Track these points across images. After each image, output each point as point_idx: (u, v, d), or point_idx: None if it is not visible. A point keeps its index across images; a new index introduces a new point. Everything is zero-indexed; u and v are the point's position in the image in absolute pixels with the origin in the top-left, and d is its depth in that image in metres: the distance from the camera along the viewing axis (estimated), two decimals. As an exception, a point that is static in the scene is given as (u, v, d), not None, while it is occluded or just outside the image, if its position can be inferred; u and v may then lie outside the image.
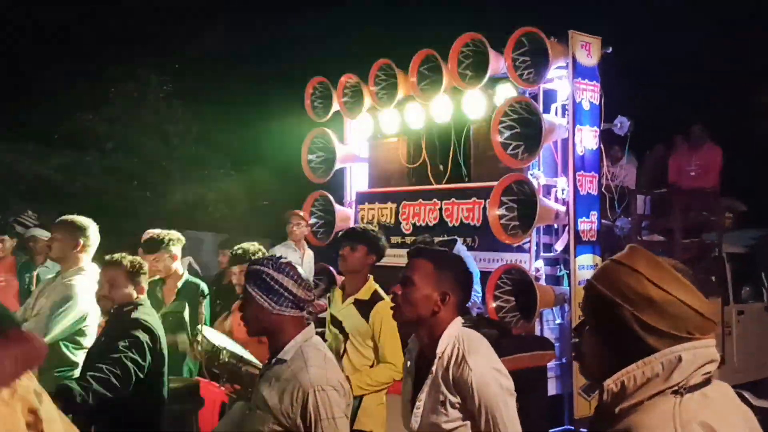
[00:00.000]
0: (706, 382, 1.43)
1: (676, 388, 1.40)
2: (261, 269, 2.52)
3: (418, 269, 2.48)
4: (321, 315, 5.21)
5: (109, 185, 13.19)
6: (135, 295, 3.49)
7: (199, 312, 4.13)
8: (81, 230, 4.07)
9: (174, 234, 4.91)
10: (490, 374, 2.36)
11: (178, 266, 4.96)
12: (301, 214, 7.21)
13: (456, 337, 2.43)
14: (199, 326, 3.52)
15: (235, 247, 4.71)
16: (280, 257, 2.60)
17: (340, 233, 4.36)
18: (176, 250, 4.88)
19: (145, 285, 3.55)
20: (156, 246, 4.79)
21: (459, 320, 2.48)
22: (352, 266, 4.02)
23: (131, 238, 5.48)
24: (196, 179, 13.98)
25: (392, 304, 4.05)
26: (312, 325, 2.58)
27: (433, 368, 2.41)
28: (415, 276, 2.47)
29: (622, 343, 1.46)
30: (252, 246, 4.65)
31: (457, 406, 2.35)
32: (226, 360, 3.35)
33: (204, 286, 4.96)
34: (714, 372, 1.44)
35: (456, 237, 6.15)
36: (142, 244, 4.95)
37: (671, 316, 1.43)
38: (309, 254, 7.11)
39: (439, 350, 2.41)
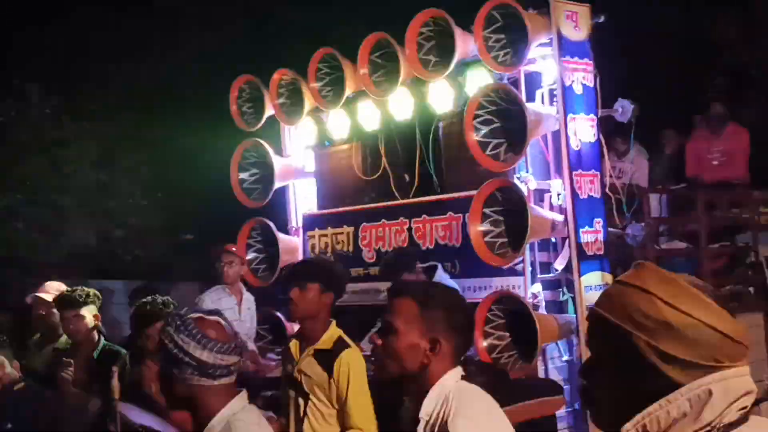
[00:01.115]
0: (744, 419, 1.44)
1: (708, 428, 1.41)
2: (164, 330, 2.55)
3: (399, 312, 2.45)
4: (272, 374, 5.20)
5: (-15, 230, 12.96)
6: None
7: (113, 384, 4.08)
8: None
9: (92, 291, 4.98)
10: None
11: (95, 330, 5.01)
12: (233, 249, 7.18)
13: (445, 395, 2.38)
14: (114, 401, 3.47)
15: (138, 304, 4.57)
16: (196, 310, 2.62)
17: (284, 270, 4.36)
18: (95, 309, 4.94)
19: None
20: (76, 301, 4.83)
21: (454, 373, 2.45)
22: (304, 311, 4.03)
23: (17, 297, 5.42)
24: (98, 215, 13.81)
25: (359, 353, 4.07)
26: (244, 393, 2.58)
27: None
28: (397, 321, 2.44)
29: (639, 380, 1.47)
30: (158, 298, 4.53)
31: None
32: (150, 442, 3.31)
33: (122, 351, 4.98)
34: (752, 406, 1.46)
35: (436, 263, 6.18)
36: (57, 301, 4.98)
37: (694, 342, 1.45)
38: (248, 299, 7.06)
39: (422, 412, 2.38)
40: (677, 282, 1.50)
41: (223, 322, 2.60)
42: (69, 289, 4.97)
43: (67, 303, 4.85)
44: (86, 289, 4.94)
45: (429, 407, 2.38)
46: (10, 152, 13.34)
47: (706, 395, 1.42)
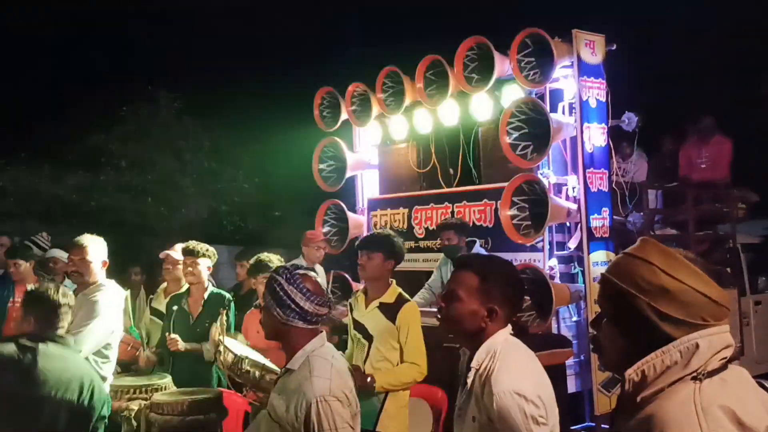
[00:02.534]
0: (724, 367, 1.45)
1: (694, 374, 1.42)
2: (275, 278, 2.57)
3: (463, 283, 2.34)
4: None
5: (124, 203, 13.26)
6: None
7: (221, 322, 4.17)
8: (98, 248, 4.24)
9: (212, 249, 5.02)
10: (512, 400, 2.16)
11: (207, 278, 5.05)
12: (323, 238, 7.19)
13: (494, 350, 2.29)
14: (221, 336, 3.55)
15: (256, 257, 4.76)
16: (298, 268, 2.62)
17: (356, 242, 4.39)
18: (210, 263, 4.98)
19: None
20: (196, 251, 4.91)
21: (504, 332, 2.34)
22: (371, 274, 4.03)
23: (147, 255, 5.55)
24: (208, 193, 14.05)
25: (416, 305, 4.07)
26: (323, 334, 2.60)
27: (469, 380, 2.29)
28: (460, 290, 2.33)
29: (640, 333, 1.48)
30: (272, 256, 4.70)
31: (486, 424, 2.22)
32: (248, 369, 3.38)
33: (228, 296, 5.03)
34: (731, 357, 1.46)
35: (475, 238, 6.15)
36: (183, 250, 5.04)
37: (685, 304, 1.45)
38: (318, 270, 6.99)
39: (474, 362, 2.29)
40: (674, 255, 1.51)
41: (319, 279, 2.64)
42: (194, 242, 5.03)
43: (189, 252, 4.93)
44: (205, 245, 5.00)
45: (480, 359, 2.29)
46: (142, 143, 13.66)
47: (694, 347, 1.43)
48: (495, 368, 2.23)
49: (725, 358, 1.45)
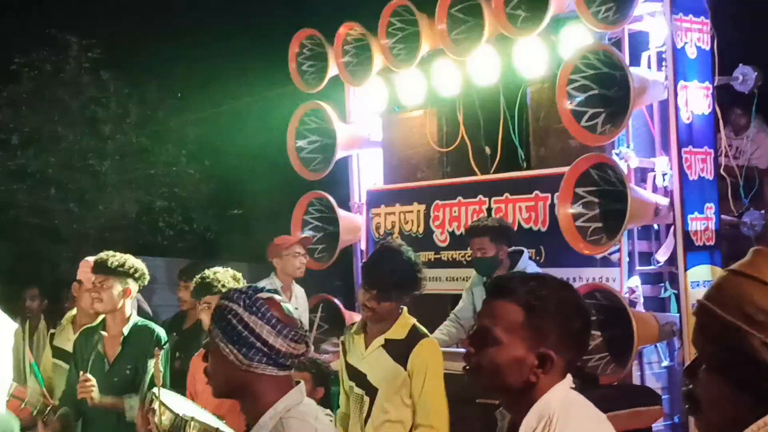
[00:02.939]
0: None
1: None
2: (228, 306, 2.55)
3: (500, 318, 2.28)
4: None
5: (17, 195, 13.30)
6: None
7: (155, 368, 4.17)
8: None
9: (138, 263, 5.02)
10: None
11: (127, 306, 5.04)
12: (308, 242, 7.20)
13: (549, 414, 2.23)
14: (156, 389, 3.55)
15: (200, 274, 4.77)
16: (260, 289, 2.64)
17: (361, 271, 4.42)
18: (132, 283, 4.98)
19: None
20: (105, 267, 4.89)
21: (562, 386, 2.29)
22: (380, 316, 4.12)
23: (51, 271, 5.59)
24: (138, 182, 14.05)
25: (436, 344, 4.06)
26: (301, 385, 2.60)
27: None
28: (497, 329, 2.27)
29: (753, 384, 1.48)
30: (225, 272, 4.70)
31: None
32: (194, 435, 3.39)
33: (161, 332, 5.05)
34: None
35: (522, 248, 6.18)
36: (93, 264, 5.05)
37: None
38: (298, 296, 6.93)
39: (523, 428, 2.24)
40: None
41: (299, 306, 2.63)
42: (106, 253, 5.02)
43: (99, 267, 4.92)
44: (124, 256, 4.99)
45: (530, 426, 2.23)
46: (44, 109, 13.62)
47: None
48: None
49: None
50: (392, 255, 4.25)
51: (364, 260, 4.41)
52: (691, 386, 1.60)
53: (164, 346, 4.68)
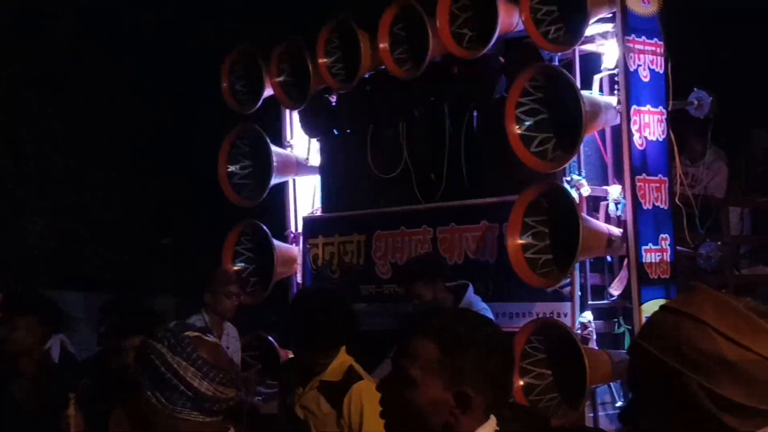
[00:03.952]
0: None
1: None
2: (152, 346, 2.55)
3: (415, 356, 2.32)
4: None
5: None
6: None
7: (68, 415, 4.18)
8: None
9: (49, 301, 5.02)
10: None
11: (42, 347, 5.02)
12: (235, 280, 7.17)
13: None
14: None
15: (120, 312, 4.73)
16: (188, 326, 2.66)
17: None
18: (44, 324, 4.93)
19: None
20: (13, 306, 4.88)
21: (486, 427, 2.32)
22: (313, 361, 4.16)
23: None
24: (60, 208, 13.88)
25: (373, 386, 4.04)
26: None
27: None
28: (412, 368, 2.30)
29: (692, 428, 1.52)
30: (143, 310, 4.65)
31: None
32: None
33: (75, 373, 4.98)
34: None
35: (466, 282, 6.22)
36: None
37: (757, 383, 1.49)
38: (228, 334, 6.88)
39: None
40: (738, 309, 1.53)
41: (230, 344, 2.61)
42: (12, 291, 4.98)
43: (5, 305, 4.91)
44: (34, 293, 5.05)
45: None
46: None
47: None
48: None
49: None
50: (320, 301, 4.27)
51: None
52: (628, 430, 1.62)
53: (79, 391, 4.60)
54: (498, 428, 2.33)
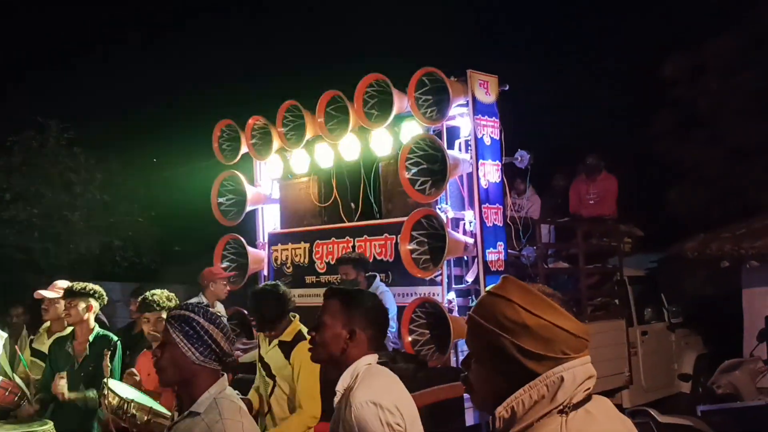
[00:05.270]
0: (588, 398, 1.49)
1: (561, 407, 1.45)
2: (190, 316, 2.44)
3: (328, 309, 2.52)
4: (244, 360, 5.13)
5: (8, 238, 12.58)
6: None
7: (104, 365, 4.02)
8: None
9: (96, 287, 4.82)
10: (369, 409, 2.30)
11: (91, 319, 4.82)
12: (227, 274, 7.03)
13: (357, 373, 2.41)
14: (105, 379, 3.41)
15: (143, 296, 4.62)
16: (209, 305, 2.58)
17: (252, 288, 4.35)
18: (94, 302, 4.77)
19: None
20: (71, 292, 4.71)
21: (368, 357, 2.45)
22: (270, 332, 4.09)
23: (32, 294, 5.29)
24: (101, 228, 13.51)
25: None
26: (225, 377, 2.53)
27: (335, 405, 2.42)
28: (325, 316, 2.50)
29: (507, 371, 1.49)
30: (162, 293, 4.58)
31: None
32: (134, 413, 3.26)
33: (114, 338, 4.82)
34: (594, 387, 1.51)
35: (375, 273, 6.18)
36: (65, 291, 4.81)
37: (546, 339, 1.46)
38: (219, 308, 6.75)
39: (339, 385, 2.42)
40: (533, 292, 1.52)
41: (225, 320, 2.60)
42: (73, 282, 4.85)
43: (67, 292, 4.76)
44: (83, 284, 4.79)
45: (343, 382, 2.42)
46: (29, 175, 13.00)
47: (559, 381, 1.45)
48: (355, 386, 2.37)
49: (589, 389, 1.48)
50: (264, 296, 4.14)
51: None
52: (466, 373, 1.60)
53: (112, 349, 4.52)
54: (379, 360, 2.49)
